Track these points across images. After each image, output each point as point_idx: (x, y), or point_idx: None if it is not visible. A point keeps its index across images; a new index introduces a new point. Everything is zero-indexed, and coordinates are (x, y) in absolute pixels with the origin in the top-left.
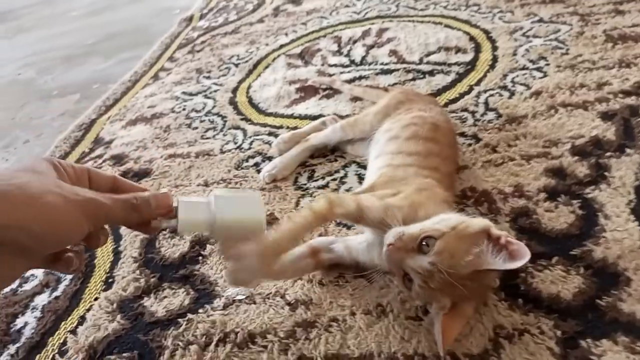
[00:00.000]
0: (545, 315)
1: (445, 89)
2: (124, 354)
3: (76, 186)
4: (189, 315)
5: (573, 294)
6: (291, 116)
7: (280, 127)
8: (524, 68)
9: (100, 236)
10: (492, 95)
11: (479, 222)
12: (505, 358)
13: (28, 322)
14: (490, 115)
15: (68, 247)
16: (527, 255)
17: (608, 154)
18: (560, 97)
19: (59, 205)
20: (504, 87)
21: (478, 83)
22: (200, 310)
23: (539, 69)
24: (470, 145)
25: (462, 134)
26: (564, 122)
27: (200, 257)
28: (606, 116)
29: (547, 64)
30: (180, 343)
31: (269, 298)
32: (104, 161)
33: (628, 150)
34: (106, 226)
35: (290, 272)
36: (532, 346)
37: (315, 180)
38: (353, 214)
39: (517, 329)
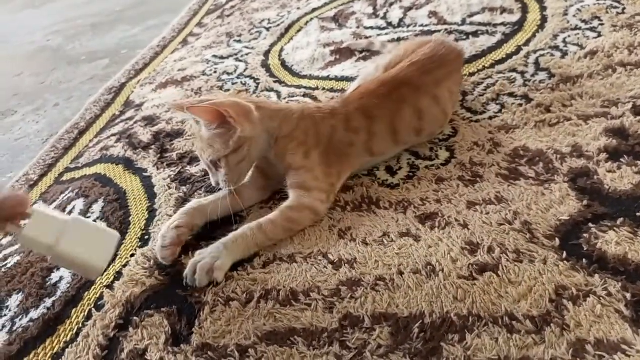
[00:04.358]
0: (612, 277)
1: (491, 50)
2: (163, 309)
3: None
4: (228, 273)
5: None
6: (327, 78)
7: (316, 88)
8: (576, 28)
9: None
10: (542, 55)
11: None
12: (569, 320)
13: (63, 276)
14: (542, 75)
15: None
16: None
17: None
18: (618, 56)
19: None
20: (556, 47)
21: (527, 43)
22: (240, 269)
23: (592, 29)
24: (520, 105)
25: (512, 94)
26: (624, 81)
27: (238, 218)
28: None
29: (602, 24)
30: (221, 299)
31: (310, 257)
32: (135, 122)
33: None
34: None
35: None
36: (598, 308)
37: None
38: None
39: (581, 290)
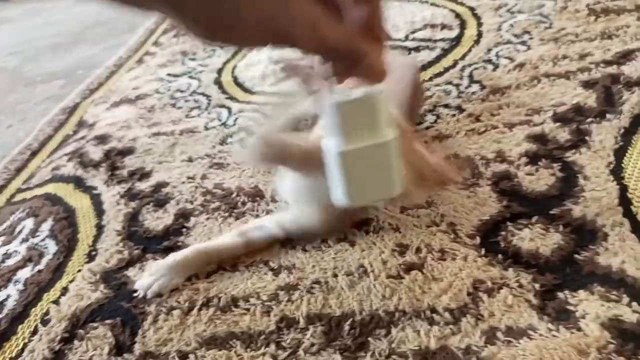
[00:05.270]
0: (524, 270)
1: (431, 64)
2: (107, 321)
3: None
4: None
5: (552, 250)
6: (276, 94)
7: (265, 104)
8: (508, 42)
9: None
10: (476, 68)
11: None
12: (484, 311)
13: (10, 294)
14: (475, 87)
15: None
16: None
17: (589, 119)
18: (543, 68)
19: None
20: (489, 61)
21: (463, 57)
22: (185, 280)
23: (522, 43)
24: (454, 115)
25: (446, 106)
26: (547, 91)
27: (184, 229)
28: (588, 85)
29: (531, 38)
30: (164, 309)
31: (252, 265)
32: (87, 142)
33: (608, 116)
34: None
35: None
36: (510, 299)
37: None
38: None
39: (496, 283)
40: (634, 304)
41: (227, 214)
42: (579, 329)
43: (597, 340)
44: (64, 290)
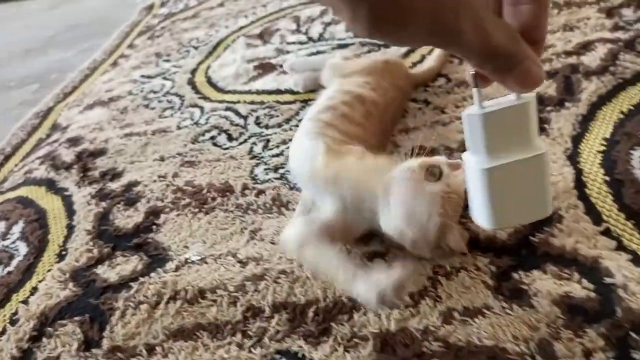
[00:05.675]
0: (482, 255)
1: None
2: (76, 318)
3: None
4: (141, 279)
5: (508, 234)
6: (248, 92)
7: (238, 102)
8: None
9: None
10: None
11: None
12: (441, 293)
13: None
14: (441, 80)
15: None
16: None
17: (549, 108)
18: None
19: None
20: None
21: (430, 52)
22: (153, 274)
23: None
24: (420, 109)
25: (414, 100)
26: None
27: (154, 226)
28: (549, 75)
29: None
30: (131, 304)
31: (220, 258)
32: (59, 145)
33: (567, 104)
34: None
35: None
36: (467, 281)
37: (270, 150)
38: None
39: (454, 267)
40: (584, 280)
41: (197, 210)
42: (531, 306)
43: (547, 316)
44: (34, 290)
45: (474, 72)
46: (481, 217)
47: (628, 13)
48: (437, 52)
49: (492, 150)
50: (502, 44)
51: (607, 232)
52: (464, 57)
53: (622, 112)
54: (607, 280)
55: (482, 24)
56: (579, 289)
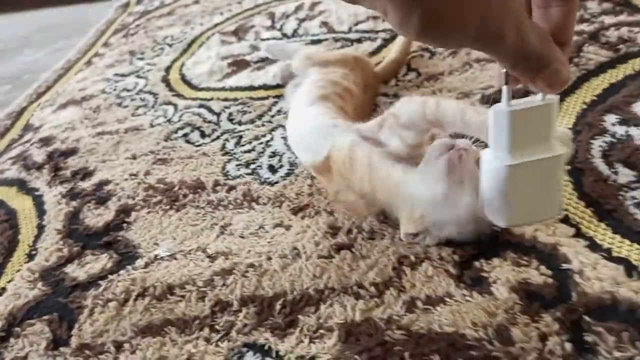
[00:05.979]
0: (445, 245)
1: (372, 54)
2: (44, 317)
3: None
4: (110, 277)
5: None
6: (222, 89)
7: (211, 99)
8: None
9: None
10: (414, 57)
11: None
12: (406, 283)
13: None
14: (412, 75)
15: None
16: None
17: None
18: (475, 53)
19: None
20: (426, 49)
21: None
22: (122, 272)
23: None
24: (391, 103)
25: (385, 94)
26: (477, 75)
27: (124, 224)
28: None
29: None
30: (100, 302)
31: (190, 253)
32: (31, 145)
33: (531, 95)
34: None
35: None
36: (430, 270)
37: (242, 146)
38: None
39: (419, 257)
40: (542, 267)
41: (168, 207)
42: (490, 293)
43: (505, 302)
44: (2, 291)
45: (505, 71)
46: (496, 214)
47: (593, 5)
48: (398, 44)
49: (515, 148)
50: (536, 47)
51: (566, 220)
52: (499, 58)
53: (584, 103)
54: (565, 266)
55: (522, 27)
56: (536, 275)
